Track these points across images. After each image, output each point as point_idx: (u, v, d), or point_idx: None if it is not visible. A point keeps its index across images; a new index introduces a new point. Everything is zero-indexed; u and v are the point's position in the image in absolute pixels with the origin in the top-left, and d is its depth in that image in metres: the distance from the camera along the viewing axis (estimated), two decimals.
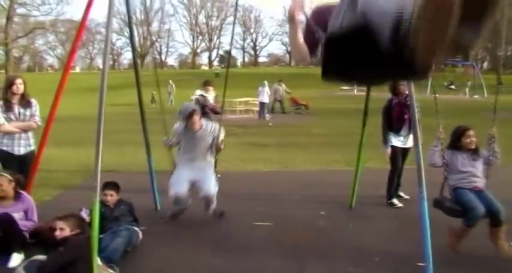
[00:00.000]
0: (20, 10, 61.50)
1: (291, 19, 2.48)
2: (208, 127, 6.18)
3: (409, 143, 6.89)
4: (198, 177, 5.86)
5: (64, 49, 79.22)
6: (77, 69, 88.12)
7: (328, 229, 5.89)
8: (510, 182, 8.43)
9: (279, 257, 4.91)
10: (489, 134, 5.15)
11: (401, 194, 7.26)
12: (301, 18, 2.52)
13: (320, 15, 2.45)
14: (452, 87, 41.69)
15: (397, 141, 7.01)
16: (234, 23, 7.20)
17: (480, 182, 5.14)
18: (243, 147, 12.55)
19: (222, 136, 6.28)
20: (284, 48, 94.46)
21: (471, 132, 5.25)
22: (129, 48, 6.86)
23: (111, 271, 4.33)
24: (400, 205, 6.98)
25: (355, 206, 6.78)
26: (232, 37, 6.86)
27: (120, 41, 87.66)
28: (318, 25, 2.39)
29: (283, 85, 27.20)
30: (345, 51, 2.11)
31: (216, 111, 8.76)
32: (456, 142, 5.28)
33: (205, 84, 9.12)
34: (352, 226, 6.03)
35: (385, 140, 7.02)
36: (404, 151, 7.08)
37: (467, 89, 39.73)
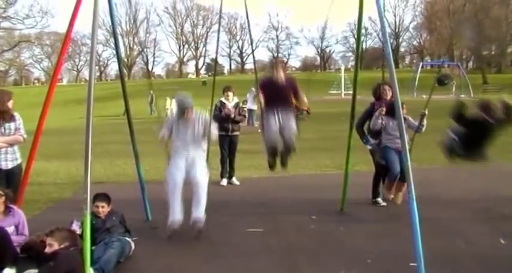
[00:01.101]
0: (5, 24, 61.22)
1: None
2: (197, 114, 6.26)
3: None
4: (190, 168, 6.03)
5: (50, 62, 78.90)
6: (64, 82, 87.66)
7: (320, 233, 5.92)
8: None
9: (272, 262, 4.92)
10: (421, 112, 6.68)
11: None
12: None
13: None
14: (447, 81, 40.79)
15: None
16: (218, 30, 7.21)
17: None
18: None
19: (214, 131, 6.41)
20: (270, 54, 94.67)
21: (404, 106, 6.49)
22: (116, 59, 6.91)
23: None
24: (384, 204, 7.08)
25: (346, 209, 6.82)
26: (217, 45, 6.90)
27: (107, 52, 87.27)
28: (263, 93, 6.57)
29: None
30: None
31: (230, 117, 8.86)
32: (392, 111, 5.72)
33: (224, 90, 9.08)
34: (344, 228, 6.05)
35: (363, 138, 7.17)
36: None
37: (453, 88, 39.68)
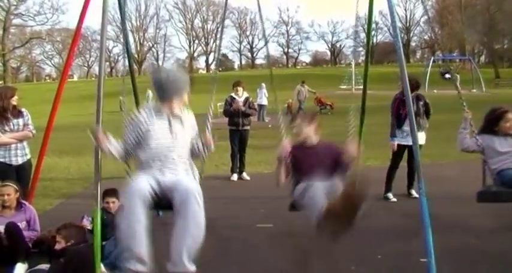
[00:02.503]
0: (16, 21, 61.79)
1: (279, 161, 4.48)
2: (187, 114, 4.04)
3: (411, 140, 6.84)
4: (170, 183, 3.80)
5: (61, 58, 79.17)
6: (75, 78, 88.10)
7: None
8: None
9: (282, 257, 4.92)
10: None
11: (413, 192, 7.19)
12: (285, 158, 4.44)
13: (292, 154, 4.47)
14: (448, 76, 40.74)
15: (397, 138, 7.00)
16: (222, 25, 7.19)
17: None
18: None
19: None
20: (281, 49, 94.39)
21: (510, 115, 4.71)
22: (126, 55, 6.89)
23: None
24: (394, 199, 7.01)
25: None
26: (217, 36, 6.85)
27: (117, 48, 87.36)
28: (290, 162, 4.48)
29: (306, 86, 26.80)
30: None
31: (240, 112, 8.85)
32: (492, 126, 4.81)
33: (234, 85, 9.17)
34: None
35: (391, 134, 7.01)
36: (407, 148, 7.00)
37: (457, 83, 39.02)
